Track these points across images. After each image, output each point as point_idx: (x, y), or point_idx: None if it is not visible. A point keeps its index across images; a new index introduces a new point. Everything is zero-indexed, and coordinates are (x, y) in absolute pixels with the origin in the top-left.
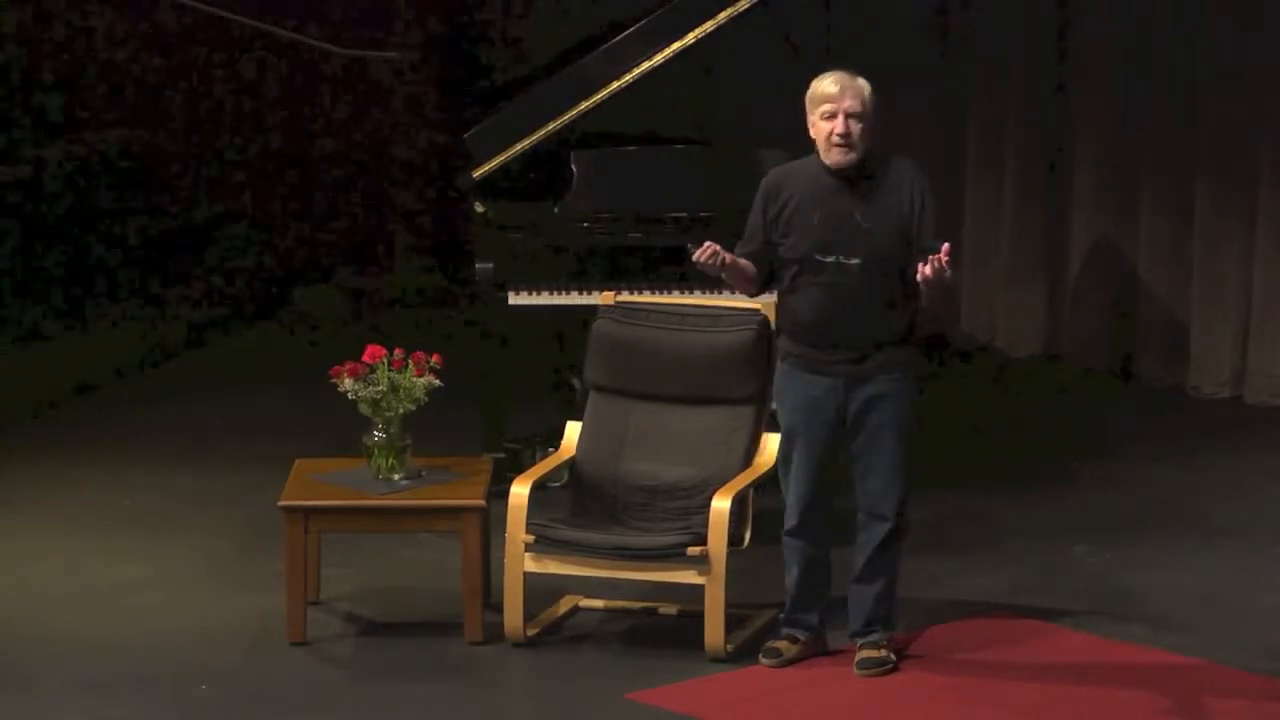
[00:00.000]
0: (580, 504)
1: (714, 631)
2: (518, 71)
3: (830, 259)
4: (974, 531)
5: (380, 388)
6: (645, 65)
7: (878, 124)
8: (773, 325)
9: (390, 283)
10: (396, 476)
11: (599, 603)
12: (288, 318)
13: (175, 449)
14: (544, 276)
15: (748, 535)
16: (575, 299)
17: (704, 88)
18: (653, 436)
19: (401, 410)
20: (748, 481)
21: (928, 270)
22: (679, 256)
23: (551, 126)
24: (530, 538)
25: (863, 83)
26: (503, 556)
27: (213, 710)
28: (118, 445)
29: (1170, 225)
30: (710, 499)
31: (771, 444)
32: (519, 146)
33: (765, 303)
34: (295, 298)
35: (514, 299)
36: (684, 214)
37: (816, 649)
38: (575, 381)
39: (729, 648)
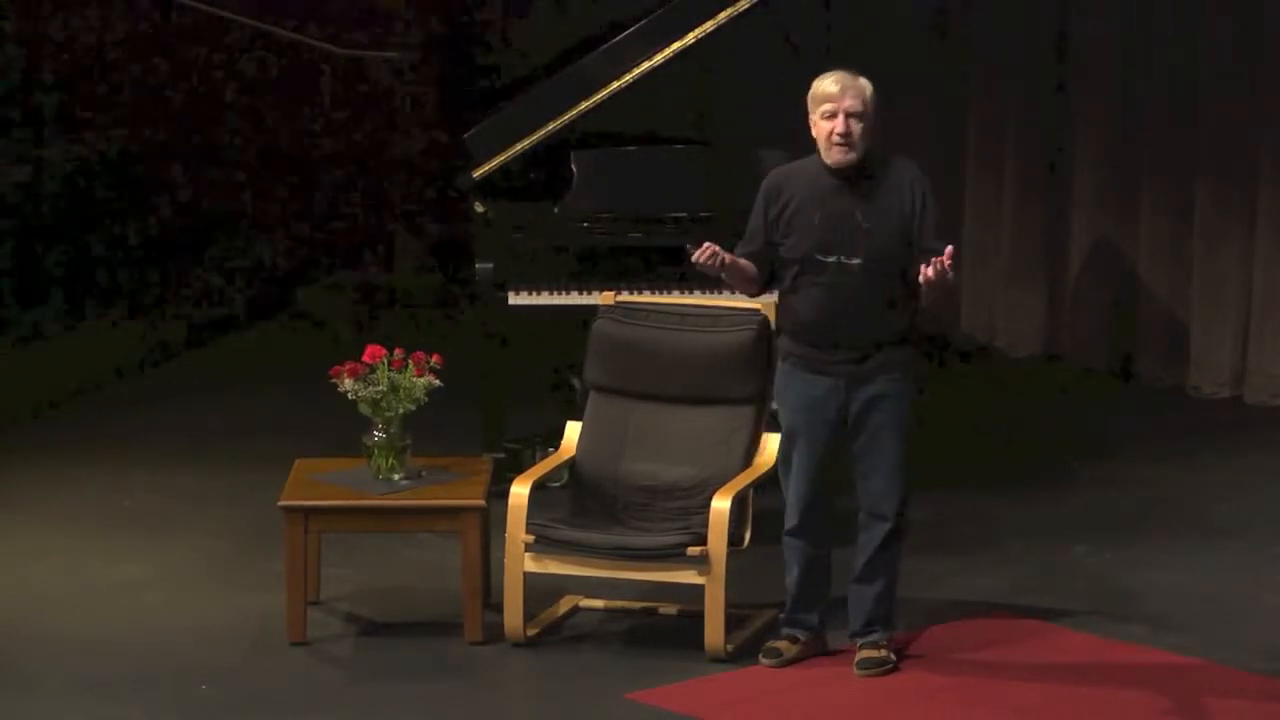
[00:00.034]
0: (580, 504)
1: (714, 631)
2: (518, 71)
3: (831, 259)
4: (974, 531)
5: (380, 388)
6: (645, 65)
7: (879, 124)
8: (772, 325)
9: (390, 283)
10: (396, 476)
11: (599, 603)
12: (288, 318)
13: (175, 449)
14: (544, 276)
15: (748, 535)
16: (575, 299)
17: (704, 88)
18: (653, 436)
19: (401, 410)
20: (748, 481)
21: (930, 272)
22: (679, 256)
23: (551, 126)
24: (530, 538)
25: (864, 82)
26: (503, 556)
27: (213, 710)
28: (118, 445)
29: (1170, 225)
30: (710, 499)
31: (771, 444)
32: (519, 146)
33: (765, 303)
34: (296, 297)
35: (514, 299)
36: (684, 214)
37: (816, 649)
38: (575, 381)
39: (729, 648)
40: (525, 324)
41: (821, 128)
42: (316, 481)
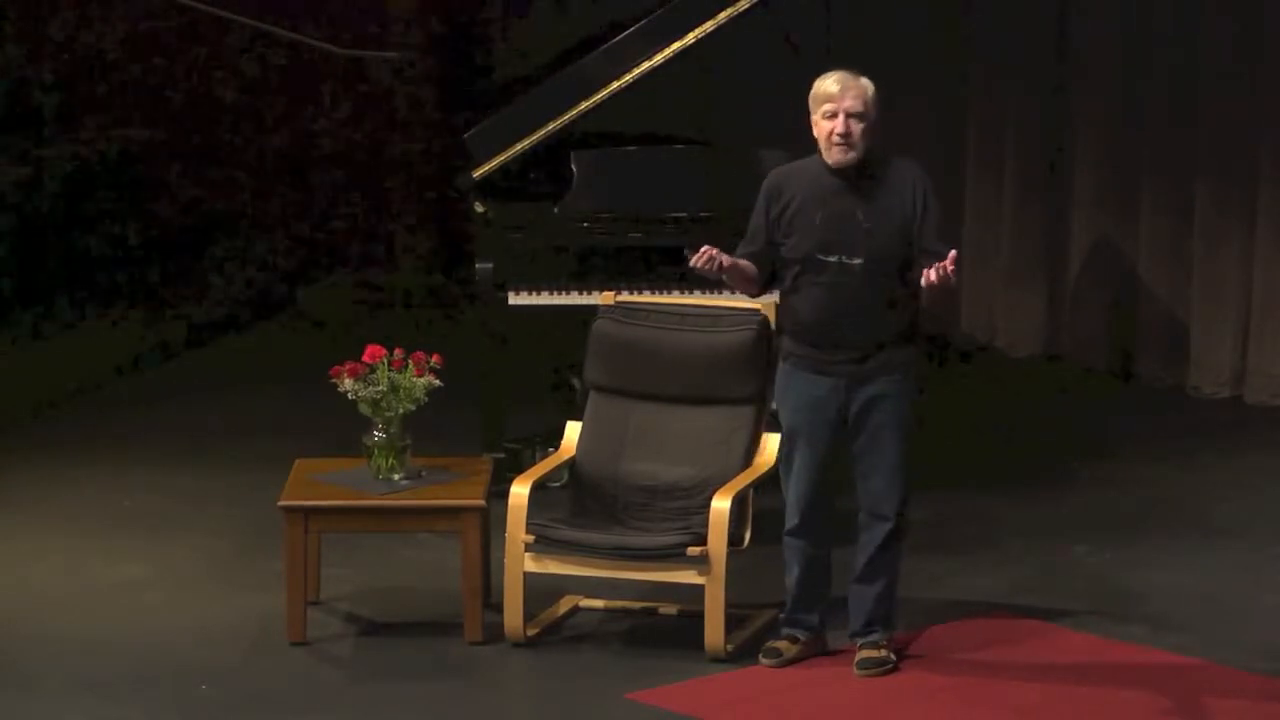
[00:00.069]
0: (580, 504)
1: (714, 631)
2: (518, 71)
3: (832, 259)
4: (974, 531)
5: (380, 388)
6: (645, 65)
7: (880, 124)
8: (772, 325)
9: (390, 283)
10: (396, 476)
11: (599, 603)
12: (288, 318)
13: (175, 449)
14: (544, 276)
15: (748, 535)
16: (575, 299)
17: (704, 88)
18: (653, 436)
19: (401, 410)
20: (748, 481)
21: (933, 277)
22: (679, 256)
23: (551, 126)
24: (530, 538)
25: (865, 82)
26: (503, 556)
27: (213, 710)
28: (118, 445)
29: (1170, 225)
30: (710, 499)
31: (771, 444)
32: (519, 146)
33: (765, 303)
34: (296, 297)
35: (514, 299)
36: (684, 214)
37: (816, 649)
38: (575, 381)
39: (729, 648)
40: (525, 324)
41: (822, 127)
42: (316, 481)
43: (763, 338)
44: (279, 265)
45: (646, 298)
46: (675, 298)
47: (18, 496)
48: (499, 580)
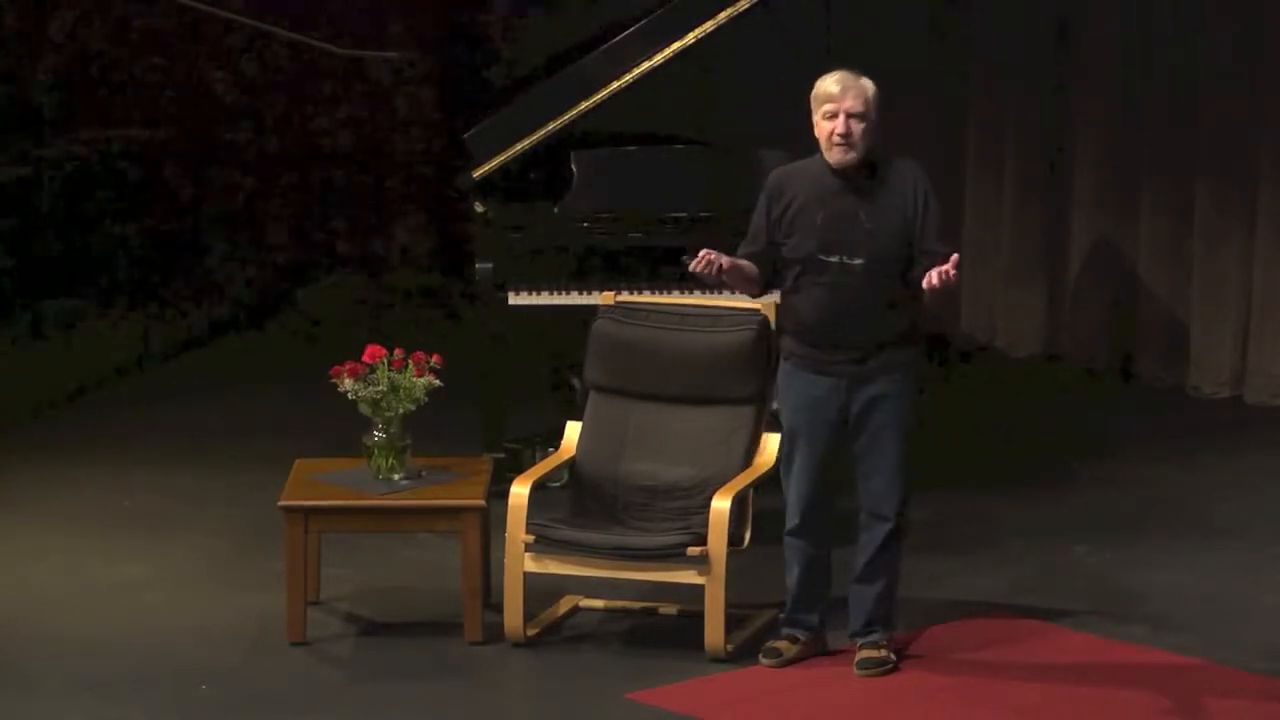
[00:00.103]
0: (580, 504)
1: (714, 631)
2: (518, 71)
3: (833, 259)
4: (974, 531)
5: (380, 388)
6: (645, 65)
7: (880, 124)
8: (772, 325)
9: (390, 283)
10: (396, 476)
11: (599, 603)
12: (288, 318)
13: (175, 449)
14: (544, 276)
15: (748, 535)
16: (575, 299)
17: (704, 88)
18: (653, 436)
19: (401, 410)
20: (748, 481)
21: (935, 280)
22: (679, 256)
23: (551, 126)
24: (530, 538)
25: (866, 83)
26: (503, 556)
27: (213, 710)
28: (118, 445)
29: (1170, 225)
30: (710, 499)
31: (771, 444)
32: (519, 146)
33: (765, 303)
34: (296, 297)
35: (514, 299)
36: (684, 214)
37: (816, 649)
38: (575, 381)
39: (729, 648)
40: (525, 324)
41: (823, 128)
42: (316, 481)
43: (763, 338)
44: (279, 265)
45: (646, 298)
46: (675, 298)
47: (18, 496)
48: (499, 580)
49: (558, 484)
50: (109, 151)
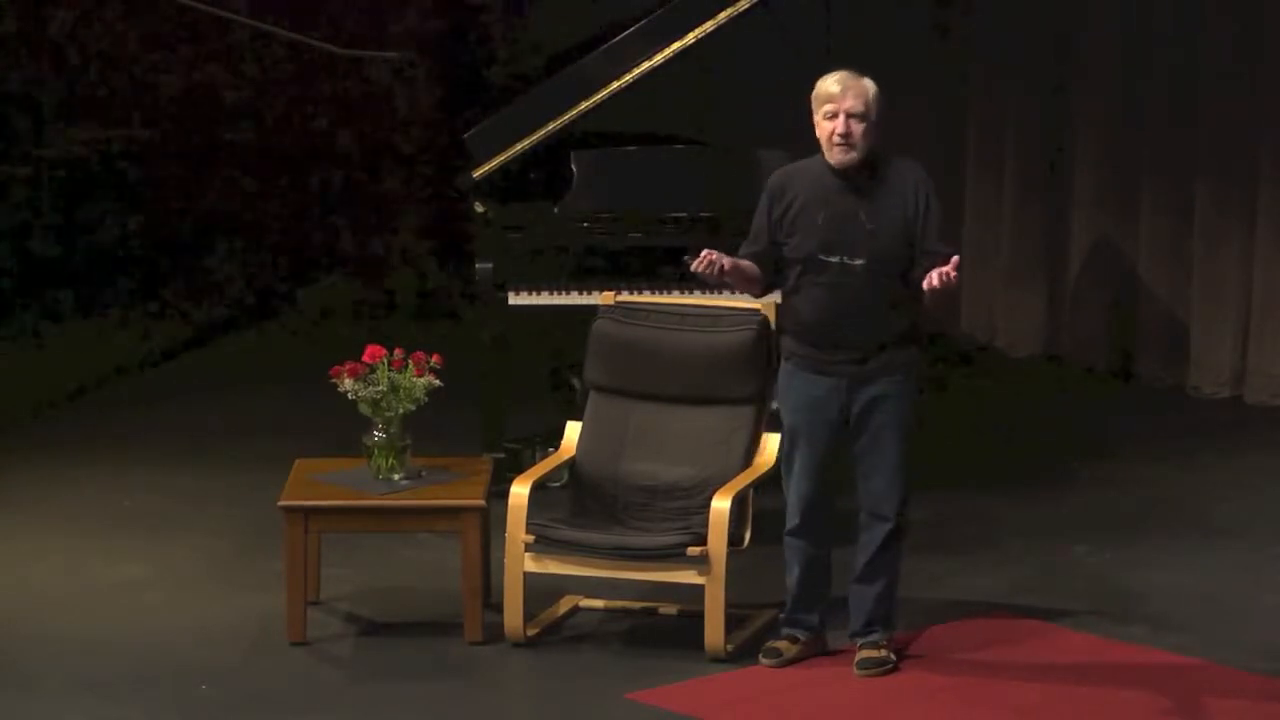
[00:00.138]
0: (580, 504)
1: (714, 631)
2: (518, 71)
3: (834, 259)
4: (974, 531)
5: (380, 388)
6: (645, 65)
7: (881, 124)
8: (772, 325)
9: (390, 283)
10: (396, 476)
11: (599, 603)
12: (288, 318)
13: (175, 449)
14: (544, 276)
15: (748, 535)
16: (575, 299)
17: (704, 88)
18: (653, 436)
19: (401, 410)
20: (748, 481)
21: (935, 281)
22: (679, 256)
23: (551, 126)
24: (530, 538)
25: (867, 83)
26: (503, 556)
27: (213, 710)
28: (118, 445)
29: (1170, 225)
30: (710, 499)
31: (771, 444)
32: (519, 146)
33: (765, 303)
34: (296, 297)
35: (514, 299)
36: (684, 214)
37: (816, 649)
38: (575, 381)
39: (729, 648)
40: (525, 324)
41: (823, 128)
42: (316, 481)
43: (763, 338)
44: (279, 265)
45: (646, 298)
46: (675, 298)
47: (18, 496)
48: (499, 580)
49: (558, 484)
50: (109, 151)
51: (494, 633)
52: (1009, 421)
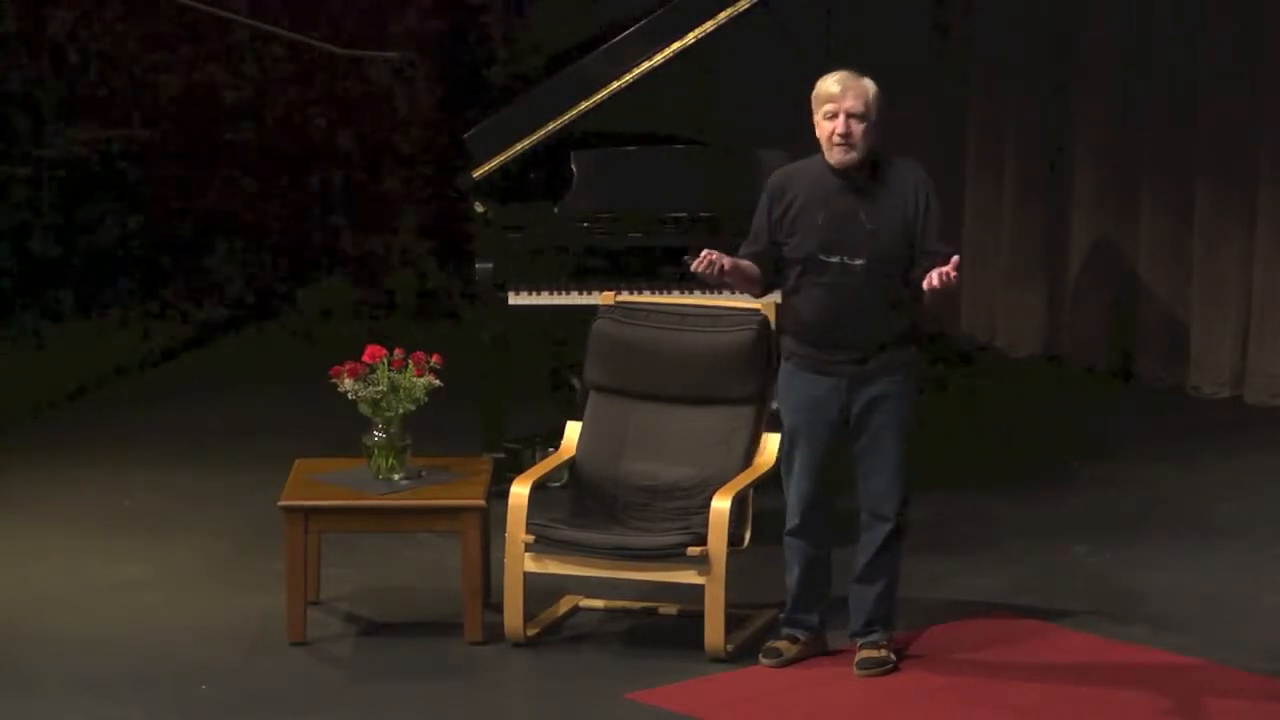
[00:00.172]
0: (580, 504)
1: (714, 631)
2: (518, 71)
3: (834, 259)
4: (974, 531)
5: (380, 388)
6: (645, 65)
7: (882, 124)
8: (772, 325)
9: (390, 283)
10: (396, 476)
11: (599, 603)
12: (288, 318)
13: (175, 449)
14: (544, 276)
15: (748, 535)
16: (575, 299)
17: (704, 88)
18: (653, 436)
19: (401, 410)
20: (748, 481)
21: (935, 281)
22: (679, 256)
23: (551, 126)
24: (530, 538)
25: (868, 83)
26: (503, 556)
27: (213, 710)
28: (118, 445)
29: (1170, 225)
30: (710, 499)
31: (771, 444)
32: (519, 146)
33: (765, 303)
34: (296, 297)
35: (514, 299)
36: (684, 214)
37: (816, 649)
38: (575, 381)
39: (729, 648)
40: (525, 324)
41: (823, 128)
42: (316, 481)
43: (763, 338)
44: (279, 265)
45: (646, 298)
46: (675, 298)
47: (18, 496)
48: (499, 580)
49: (558, 484)
50: (109, 151)
51: (494, 633)
52: (1009, 421)
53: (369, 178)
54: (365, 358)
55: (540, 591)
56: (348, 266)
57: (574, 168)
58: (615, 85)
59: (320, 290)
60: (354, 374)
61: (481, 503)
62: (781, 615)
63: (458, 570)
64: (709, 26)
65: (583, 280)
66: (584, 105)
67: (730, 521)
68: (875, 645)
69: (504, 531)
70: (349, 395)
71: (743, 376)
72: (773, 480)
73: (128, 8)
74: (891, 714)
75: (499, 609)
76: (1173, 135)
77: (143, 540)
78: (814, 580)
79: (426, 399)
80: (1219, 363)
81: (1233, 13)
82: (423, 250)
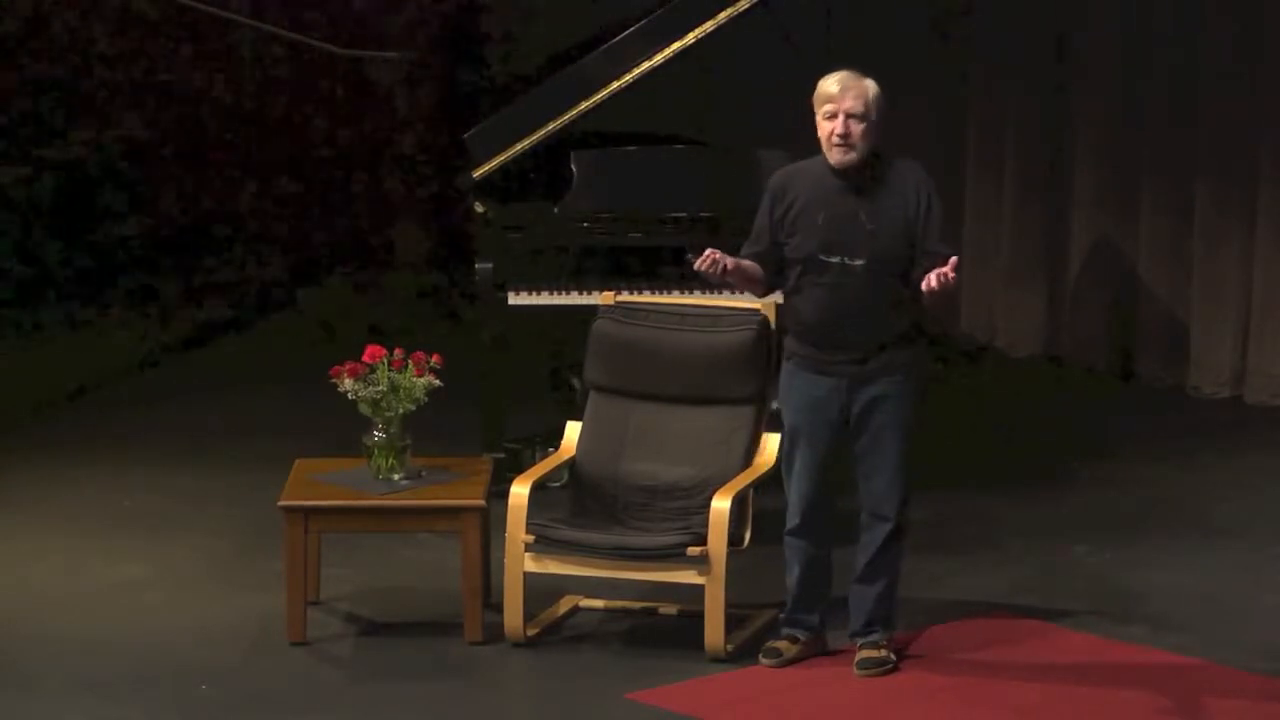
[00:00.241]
0: (580, 504)
1: (714, 631)
2: (518, 71)
3: (835, 259)
4: (974, 531)
5: (380, 388)
6: (645, 65)
7: (882, 125)
8: (772, 325)
9: (390, 283)
10: (396, 476)
11: (599, 603)
12: (288, 318)
13: (175, 449)
14: (544, 276)
15: (748, 535)
16: (575, 299)
17: (704, 88)
18: (653, 436)
19: (401, 410)
20: (748, 481)
21: (934, 283)
22: (679, 256)
23: (551, 126)
24: (530, 538)
25: (868, 83)
26: (503, 556)
27: (213, 710)
28: (118, 445)
29: (1170, 225)
30: (710, 499)
31: (771, 444)
32: (519, 146)
33: (765, 303)
34: (296, 297)
35: (514, 299)
36: (684, 214)
37: (816, 649)
38: (575, 381)
39: (729, 648)
40: (525, 324)
41: (823, 128)
42: (316, 481)
43: (763, 338)
44: (279, 265)
45: (646, 298)
46: (675, 298)
47: (18, 496)
48: (499, 580)
49: (558, 484)
50: (109, 151)
51: (494, 633)
52: (1009, 421)
53: (369, 178)
54: (365, 358)
55: (540, 591)
56: (348, 267)
57: (574, 168)
58: (615, 85)
59: (320, 290)
60: (354, 374)
61: (481, 503)
62: (781, 615)
63: (458, 570)
64: (709, 26)
65: (583, 280)
66: (584, 105)
67: (730, 521)
68: (875, 645)
69: (504, 531)
70: (349, 395)
71: (743, 376)
72: (773, 480)
73: (128, 8)
74: (891, 714)
75: (499, 609)
76: (1173, 135)
77: (143, 540)
78: (814, 580)
79: (426, 399)
80: (1219, 363)
81: (1233, 13)
82: (423, 250)
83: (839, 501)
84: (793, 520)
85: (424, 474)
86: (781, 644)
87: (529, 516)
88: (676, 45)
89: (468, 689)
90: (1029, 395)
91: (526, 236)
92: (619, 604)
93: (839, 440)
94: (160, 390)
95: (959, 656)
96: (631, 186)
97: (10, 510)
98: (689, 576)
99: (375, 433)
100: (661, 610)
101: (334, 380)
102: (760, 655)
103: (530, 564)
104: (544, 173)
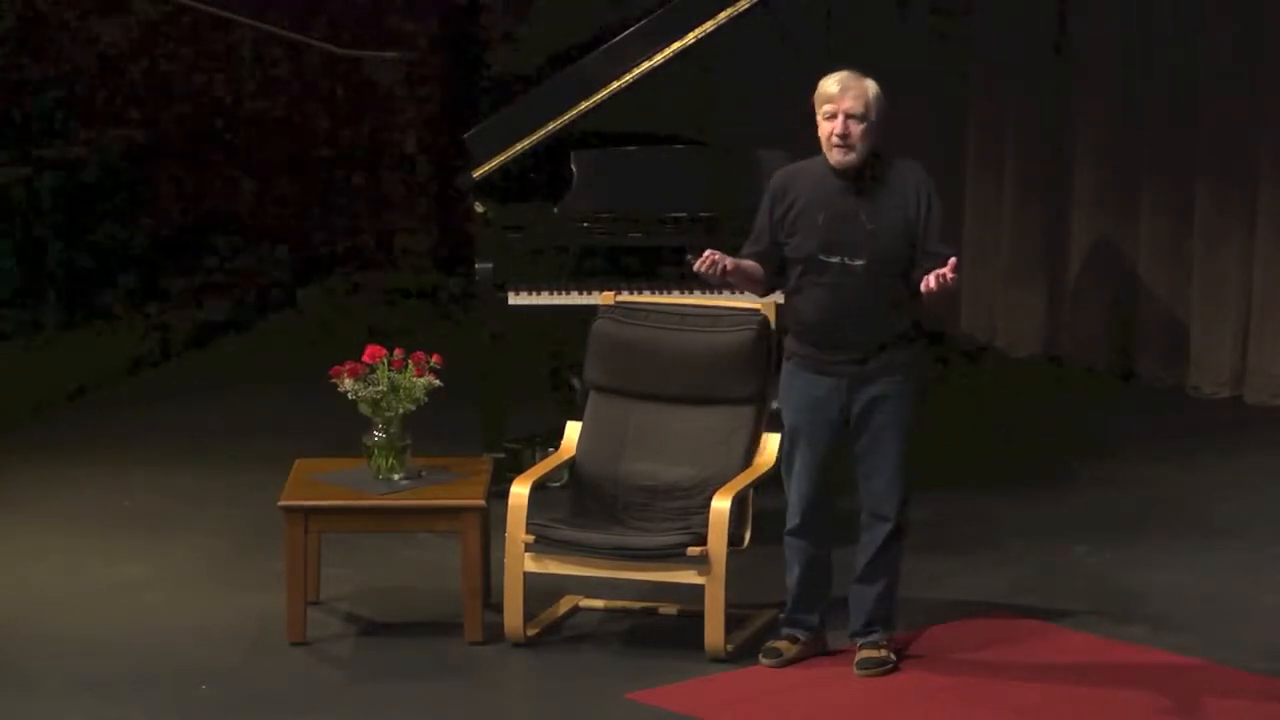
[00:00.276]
0: (580, 504)
1: (714, 631)
2: (518, 71)
3: (835, 260)
4: (974, 531)
5: (380, 388)
6: (645, 65)
7: (883, 125)
8: (772, 325)
9: (390, 283)
10: (396, 476)
11: (599, 603)
12: (288, 318)
13: (175, 449)
14: (544, 276)
15: (748, 535)
16: (575, 299)
17: (704, 88)
18: (653, 436)
19: (401, 410)
20: (748, 481)
21: (933, 284)
22: (679, 256)
23: (551, 126)
24: (530, 538)
25: (869, 84)
26: (503, 556)
27: (213, 710)
28: (118, 445)
29: (1170, 225)
30: (710, 499)
31: (771, 444)
32: (519, 146)
33: (765, 303)
34: (296, 297)
35: (514, 299)
36: (684, 214)
37: (816, 649)
38: (575, 381)
39: (729, 648)
40: (525, 324)
41: (823, 128)
42: (316, 481)
43: (763, 338)
44: (279, 265)
45: (646, 298)
46: (675, 298)
47: (18, 496)
48: (499, 580)
49: (558, 484)
50: (109, 151)
51: (494, 633)
52: (1009, 421)
53: (369, 178)
54: (365, 358)
55: (540, 591)
56: (348, 266)
57: (574, 168)
58: (615, 85)
59: (320, 290)
60: (354, 374)
61: (481, 503)
62: (781, 615)
63: (458, 570)
64: (709, 26)
65: (583, 280)
66: (584, 105)
67: (730, 521)
68: (875, 645)
69: (504, 531)
70: (349, 395)
71: (743, 376)
72: (773, 480)
73: (128, 8)
74: (891, 714)
75: (499, 609)
76: (1173, 135)
77: (143, 540)
78: (814, 580)
79: (426, 399)
80: (1219, 363)
81: (1233, 13)
82: (423, 250)
83: (839, 501)
84: (793, 520)
85: (424, 474)
86: (781, 644)
87: (529, 516)
88: (676, 45)
89: (468, 689)
90: (1029, 395)
91: (526, 236)
92: (619, 604)
93: (839, 440)
94: (160, 390)
95: (959, 656)
96: (631, 186)
97: (10, 510)
98: (689, 576)
99: (375, 433)
100: (661, 610)
101: (334, 380)
102: (760, 655)
103: (530, 564)
104: (544, 173)
